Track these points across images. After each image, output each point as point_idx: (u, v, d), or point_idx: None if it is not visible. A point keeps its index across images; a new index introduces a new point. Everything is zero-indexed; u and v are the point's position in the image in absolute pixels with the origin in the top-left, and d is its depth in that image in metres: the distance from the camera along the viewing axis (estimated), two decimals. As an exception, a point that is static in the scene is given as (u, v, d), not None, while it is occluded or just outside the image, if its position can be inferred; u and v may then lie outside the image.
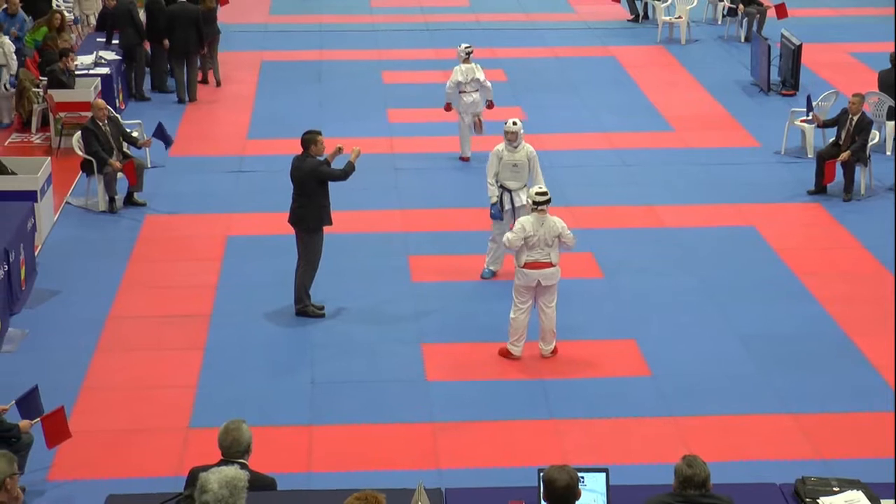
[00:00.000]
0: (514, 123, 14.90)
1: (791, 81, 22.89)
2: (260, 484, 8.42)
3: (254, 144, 20.30)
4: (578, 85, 23.82)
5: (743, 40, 26.71)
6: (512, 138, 14.80)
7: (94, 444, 11.45)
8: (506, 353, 13.19)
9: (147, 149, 18.60)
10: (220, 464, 8.15)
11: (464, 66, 18.86)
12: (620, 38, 27.52)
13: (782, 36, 23.40)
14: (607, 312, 14.38)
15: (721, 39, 27.40)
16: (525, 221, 12.95)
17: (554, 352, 13.23)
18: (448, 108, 19.17)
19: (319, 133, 13.97)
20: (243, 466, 8.20)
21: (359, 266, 15.52)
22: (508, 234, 13.07)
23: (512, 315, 13.08)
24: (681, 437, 11.67)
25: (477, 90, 18.92)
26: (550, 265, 12.93)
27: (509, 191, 14.84)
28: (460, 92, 18.87)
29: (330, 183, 14.01)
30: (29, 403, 10.87)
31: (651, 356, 13.25)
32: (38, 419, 10.75)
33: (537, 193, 12.97)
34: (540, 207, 12.88)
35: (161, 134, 18.46)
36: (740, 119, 21.60)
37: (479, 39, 26.16)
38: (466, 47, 19.07)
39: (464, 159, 19.33)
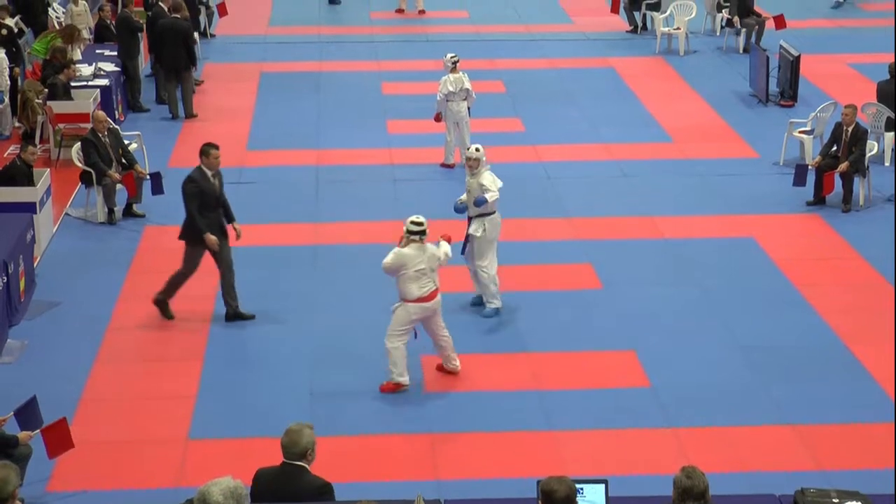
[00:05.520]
0: (477, 150, 14.33)
1: (790, 92, 22.88)
2: (315, 488, 8.45)
3: (253, 155, 20.28)
4: (577, 96, 23.80)
5: (741, 51, 26.69)
6: (473, 164, 14.21)
7: (94, 455, 11.42)
8: (394, 388, 12.71)
9: (146, 160, 18.58)
10: (282, 465, 8.36)
11: (452, 77, 19.01)
12: (619, 50, 27.51)
13: (781, 47, 23.39)
14: (606, 323, 14.34)
15: (720, 50, 27.39)
16: (410, 255, 12.42)
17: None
18: (438, 118, 19.28)
19: (215, 147, 14.12)
20: (303, 469, 8.33)
21: (358, 277, 15.49)
22: (385, 259, 12.56)
23: (391, 345, 12.58)
24: (680, 448, 11.65)
25: (464, 99, 19.12)
26: (437, 292, 12.62)
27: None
28: (448, 101, 19.07)
29: (220, 202, 14.27)
30: (28, 414, 10.87)
31: (650, 367, 13.23)
32: (38, 431, 10.73)
33: (412, 223, 12.55)
34: (412, 238, 12.48)
35: (157, 182, 17.51)
36: (739, 130, 21.57)
37: (478, 50, 26.28)
38: (452, 57, 19.21)
39: (447, 166, 19.40)
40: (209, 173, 14.07)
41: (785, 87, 22.98)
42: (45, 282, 15.34)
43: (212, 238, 13.98)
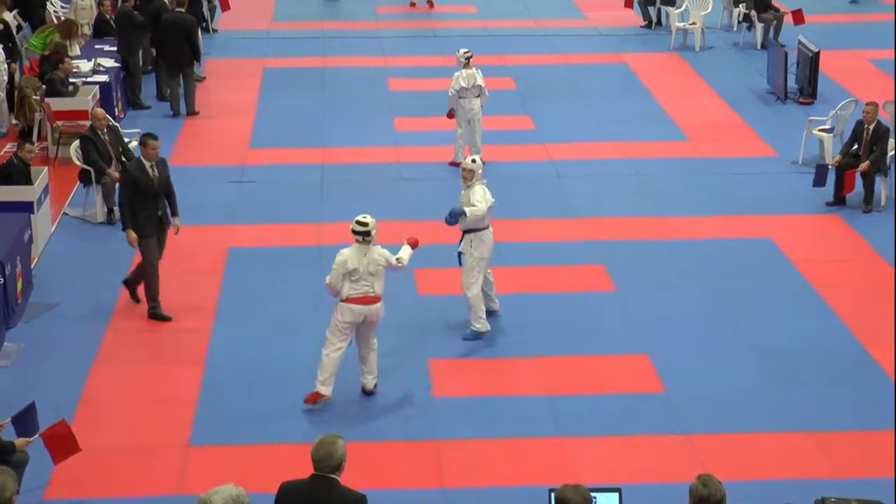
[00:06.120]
0: (473, 161, 13.94)
1: (809, 89, 22.65)
2: (351, 501, 8.22)
3: (256, 154, 20.11)
4: (589, 93, 23.62)
5: (759, 47, 26.48)
6: (468, 176, 13.80)
7: (92, 461, 11.25)
8: (315, 398, 12.33)
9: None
10: (311, 478, 8.12)
11: (465, 72, 18.77)
12: (633, 45, 27.33)
13: (799, 42, 23.19)
14: (619, 326, 14.18)
15: (736, 46, 27.20)
16: (347, 255, 12.11)
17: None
18: (451, 114, 19.03)
19: (153, 138, 14.19)
20: (334, 482, 8.13)
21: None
22: (327, 277, 12.20)
23: (325, 352, 12.24)
24: (695, 456, 11.50)
25: (477, 95, 18.89)
26: (377, 299, 12.26)
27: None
28: (460, 97, 18.81)
29: (172, 195, 14.43)
30: (25, 420, 10.75)
31: (664, 372, 13.08)
32: (37, 436, 10.62)
33: (357, 222, 12.20)
34: (356, 238, 12.17)
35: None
36: (756, 128, 21.38)
37: (487, 46, 26.10)
38: (465, 52, 18.93)
39: (456, 164, 19.12)
40: (147, 164, 14.11)
41: (804, 84, 22.76)
42: (42, 283, 15.19)
43: (132, 235, 14.06)
